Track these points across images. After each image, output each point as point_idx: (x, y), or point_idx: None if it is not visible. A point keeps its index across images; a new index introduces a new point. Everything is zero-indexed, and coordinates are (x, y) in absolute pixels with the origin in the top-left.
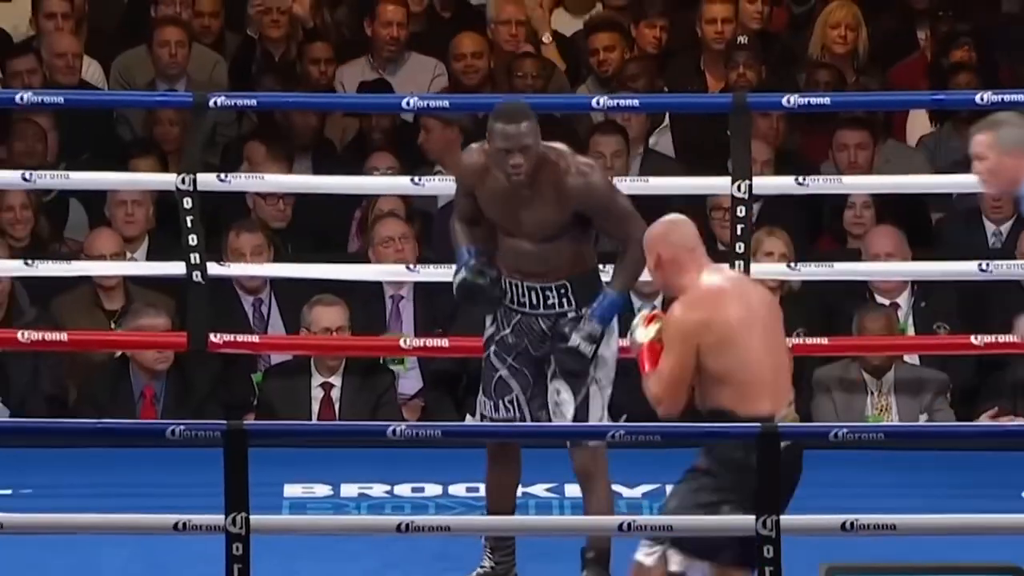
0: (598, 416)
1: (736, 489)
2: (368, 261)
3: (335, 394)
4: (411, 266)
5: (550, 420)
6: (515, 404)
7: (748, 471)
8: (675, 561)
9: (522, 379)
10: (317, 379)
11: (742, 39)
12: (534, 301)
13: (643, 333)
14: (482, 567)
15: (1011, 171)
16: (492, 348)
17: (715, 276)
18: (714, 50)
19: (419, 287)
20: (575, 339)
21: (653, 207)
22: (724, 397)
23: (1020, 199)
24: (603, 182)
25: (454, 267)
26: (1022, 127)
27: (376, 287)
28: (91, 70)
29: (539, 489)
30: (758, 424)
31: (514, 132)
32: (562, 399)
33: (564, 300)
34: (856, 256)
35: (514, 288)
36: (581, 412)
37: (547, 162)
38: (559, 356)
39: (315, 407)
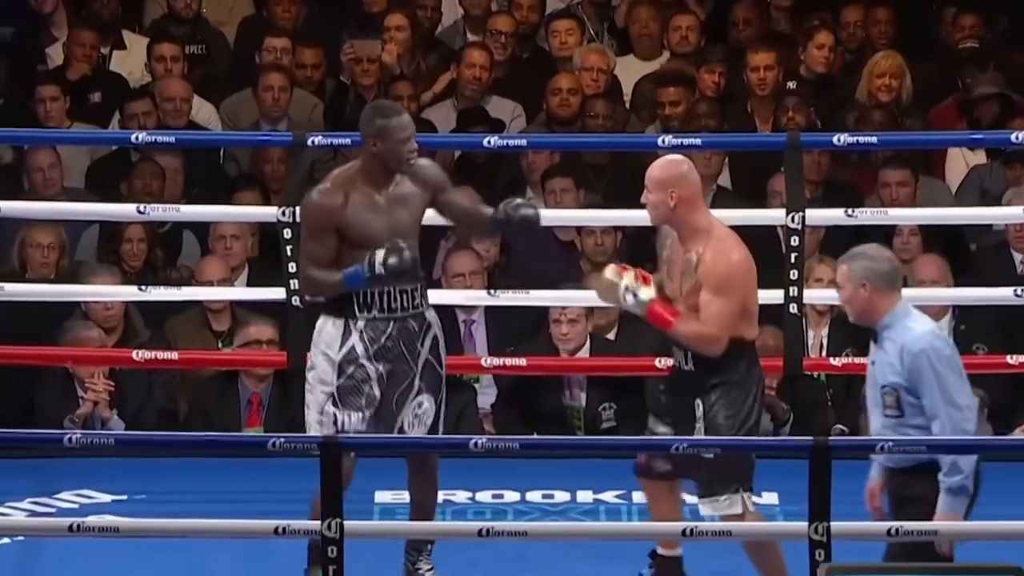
0: (440, 430)
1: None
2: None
3: None
4: (492, 291)
5: (407, 430)
6: (368, 421)
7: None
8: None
9: (384, 389)
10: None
11: (791, 84)
12: (405, 304)
13: (647, 292)
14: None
15: (863, 303)
16: (362, 360)
17: (717, 220)
18: (759, 95)
19: (490, 312)
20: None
21: None
22: (742, 327)
23: (879, 331)
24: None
25: (379, 261)
26: (877, 261)
27: (449, 312)
28: (203, 111)
29: (609, 496)
30: (810, 438)
31: (408, 120)
32: (424, 410)
33: (423, 299)
34: (903, 282)
35: (385, 296)
36: (435, 426)
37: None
38: (524, 211)
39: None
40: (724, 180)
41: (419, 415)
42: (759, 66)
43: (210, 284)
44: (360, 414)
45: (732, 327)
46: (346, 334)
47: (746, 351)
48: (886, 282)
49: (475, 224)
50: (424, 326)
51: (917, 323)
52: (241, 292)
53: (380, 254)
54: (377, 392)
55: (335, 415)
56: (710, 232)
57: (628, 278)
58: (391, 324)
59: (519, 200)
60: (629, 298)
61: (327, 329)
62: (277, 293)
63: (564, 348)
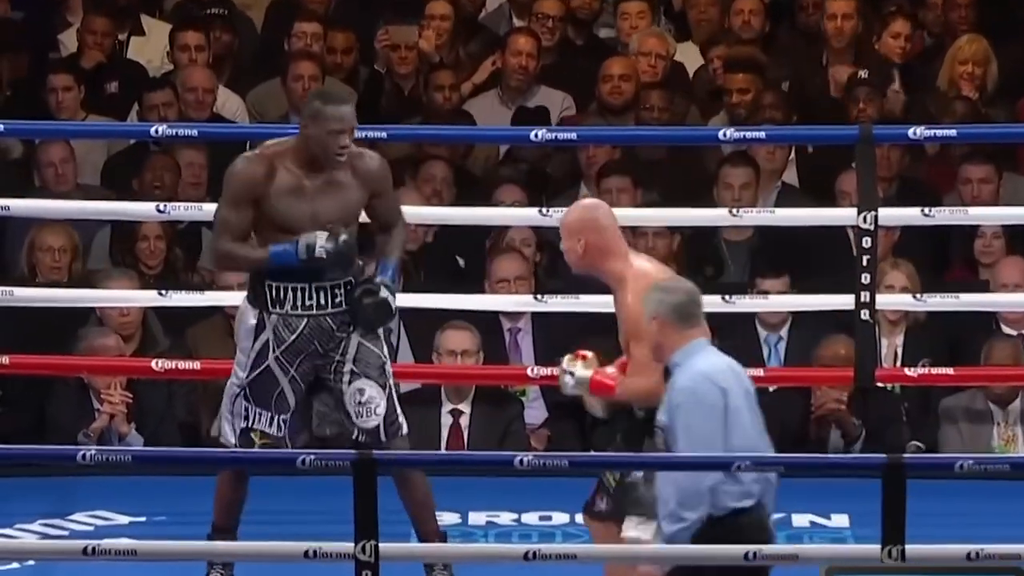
0: (397, 411)
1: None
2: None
3: (464, 421)
4: (539, 296)
5: (357, 421)
6: (285, 424)
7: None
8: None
9: (299, 392)
10: (447, 406)
11: (862, 73)
12: (322, 301)
13: (583, 370)
14: None
15: (652, 337)
16: (273, 356)
17: (641, 260)
18: (835, 47)
19: (538, 320)
20: (382, 291)
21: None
22: None
23: (671, 368)
24: (385, 166)
25: (302, 246)
26: (672, 293)
27: (493, 319)
28: (230, 104)
29: None
30: (883, 456)
31: (348, 113)
32: (368, 396)
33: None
34: (984, 287)
35: (299, 292)
36: (391, 407)
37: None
38: (367, 314)
39: (444, 434)
40: (791, 177)
41: (364, 403)
42: (836, 14)
43: (230, 288)
44: (270, 414)
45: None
46: (259, 327)
47: None
48: (677, 316)
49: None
50: (344, 325)
51: (701, 363)
52: None
53: (322, 236)
54: (291, 397)
55: (246, 410)
56: (624, 276)
57: (566, 361)
58: (304, 322)
59: (368, 285)
60: (568, 380)
61: (246, 318)
62: None
63: None
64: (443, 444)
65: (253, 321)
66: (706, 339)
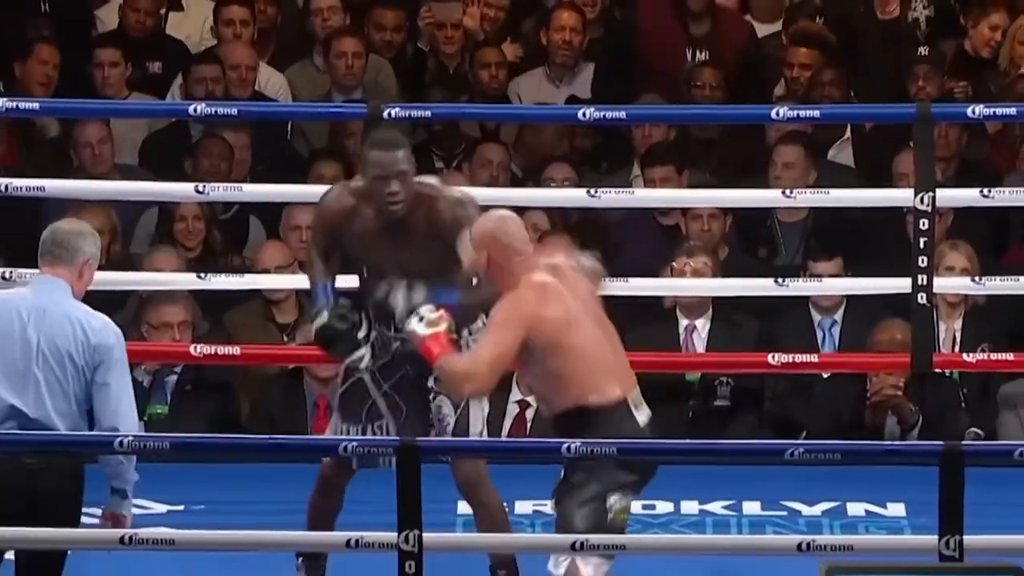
0: (478, 428)
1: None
2: None
3: (530, 414)
4: None
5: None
6: (383, 430)
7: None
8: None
9: (395, 409)
10: (515, 395)
11: (923, 50)
12: None
13: (426, 327)
14: None
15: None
16: (367, 375)
17: (541, 273)
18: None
19: None
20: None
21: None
22: (573, 394)
23: None
24: (474, 216)
25: (324, 308)
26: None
27: None
28: (273, 82)
29: (716, 506)
30: (941, 443)
31: (391, 159)
32: (444, 413)
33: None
34: None
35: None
36: (461, 422)
37: (422, 196)
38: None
39: (507, 424)
40: (846, 157)
41: (440, 420)
42: None
43: (267, 271)
44: (358, 428)
45: (492, 374)
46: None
47: (590, 419)
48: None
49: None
50: None
51: None
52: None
53: (325, 315)
54: (385, 411)
55: (334, 425)
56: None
57: (426, 309)
58: (396, 344)
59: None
60: (413, 321)
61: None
62: (351, 281)
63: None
64: (504, 433)
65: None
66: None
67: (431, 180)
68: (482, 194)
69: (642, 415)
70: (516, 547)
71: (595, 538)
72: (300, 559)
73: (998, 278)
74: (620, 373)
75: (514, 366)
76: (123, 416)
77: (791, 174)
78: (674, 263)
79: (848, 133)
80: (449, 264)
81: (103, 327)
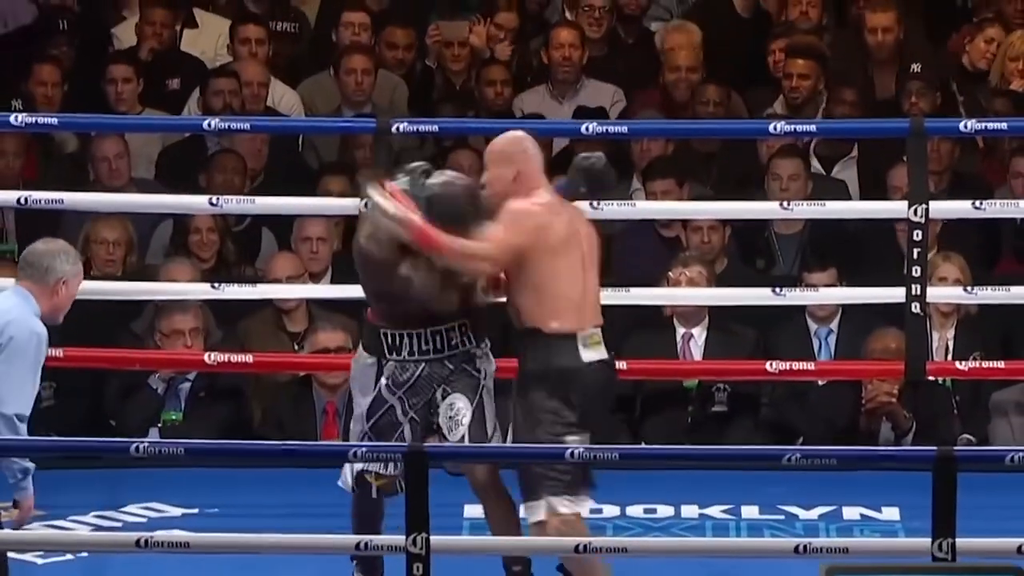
0: (492, 422)
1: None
2: None
3: None
4: None
5: (447, 435)
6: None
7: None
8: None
9: (416, 431)
10: None
11: (915, 67)
12: (438, 345)
13: (393, 205)
14: None
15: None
16: (396, 398)
17: (550, 194)
18: (878, 59)
19: None
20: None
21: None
22: (536, 314)
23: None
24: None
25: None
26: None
27: None
28: (286, 99)
29: (716, 511)
30: (934, 449)
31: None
32: (458, 408)
33: (465, 339)
34: None
35: (415, 338)
36: (478, 414)
37: None
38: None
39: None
40: (850, 175)
41: (453, 417)
42: (877, 27)
43: (279, 281)
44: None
45: (507, 256)
46: (378, 373)
47: (538, 343)
48: None
49: None
50: (462, 366)
51: None
52: (322, 290)
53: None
54: (409, 437)
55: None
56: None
57: (378, 196)
58: (421, 367)
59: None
60: (377, 209)
61: (362, 366)
62: (355, 291)
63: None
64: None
65: (372, 367)
66: None
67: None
68: None
69: (590, 353)
70: (521, 549)
71: (597, 541)
72: (355, 562)
73: (990, 288)
74: (583, 309)
75: (509, 268)
76: (3, 399)
77: (794, 186)
78: (670, 273)
79: (855, 151)
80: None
81: (19, 320)
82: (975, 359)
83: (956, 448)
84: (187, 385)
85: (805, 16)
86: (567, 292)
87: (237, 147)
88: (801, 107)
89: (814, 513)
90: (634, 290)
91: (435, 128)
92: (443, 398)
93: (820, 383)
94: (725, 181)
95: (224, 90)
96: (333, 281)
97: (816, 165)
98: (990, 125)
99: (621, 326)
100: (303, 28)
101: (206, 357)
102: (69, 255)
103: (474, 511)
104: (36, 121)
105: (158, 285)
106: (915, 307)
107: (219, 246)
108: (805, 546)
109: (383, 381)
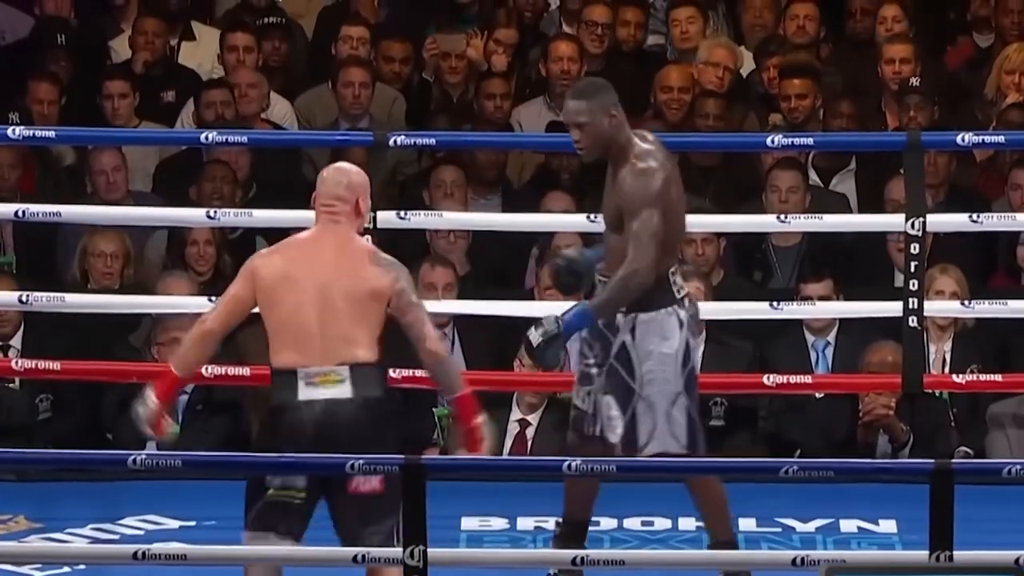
0: (647, 435)
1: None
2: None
3: (530, 432)
4: None
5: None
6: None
7: None
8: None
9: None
10: (516, 414)
11: (914, 80)
12: None
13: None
14: None
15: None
16: (692, 350)
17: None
18: (892, 90)
19: None
20: (531, 332)
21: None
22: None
23: None
24: (641, 188)
25: None
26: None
27: None
28: (279, 108)
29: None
30: (931, 461)
31: (572, 108)
32: (612, 415)
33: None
34: None
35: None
36: (629, 430)
37: (621, 149)
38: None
39: (508, 442)
40: (848, 188)
41: (610, 418)
42: (895, 59)
43: None
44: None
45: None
46: (679, 324)
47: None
48: None
49: None
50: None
51: None
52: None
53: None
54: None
55: (688, 410)
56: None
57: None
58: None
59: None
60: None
61: (664, 320)
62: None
63: None
64: (506, 452)
65: (675, 320)
66: None
67: (645, 136)
68: (470, 219)
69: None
70: (520, 562)
71: (594, 553)
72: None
73: (987, 302)
74: (307, 343)
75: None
76: None
77: (793, 198)
78: None
79: (853, 164)
80: (615, 222)
81: None
82: (972, 372)
83: (953, 461)
84: (184, 398)
85: (803, 31)
86: (287, 328)
87: (222, 156)
88: (802, 126)
89: (811, 526)
90: None
91: (432, 141)
92: (603, 392)
93: (818, 396)
94: (724, 193)
95: (216, 101)
96: None
97: (814, 177)
98: (987, 139)
99: None
100: (294, 43)
101: (204, 370)
102: None
103: (470, 524)
104: (34, 134)
105: (156, 298)
106: (912, 320)
107: (216, 259)
108: (803, 558)
109: (685, 333)
